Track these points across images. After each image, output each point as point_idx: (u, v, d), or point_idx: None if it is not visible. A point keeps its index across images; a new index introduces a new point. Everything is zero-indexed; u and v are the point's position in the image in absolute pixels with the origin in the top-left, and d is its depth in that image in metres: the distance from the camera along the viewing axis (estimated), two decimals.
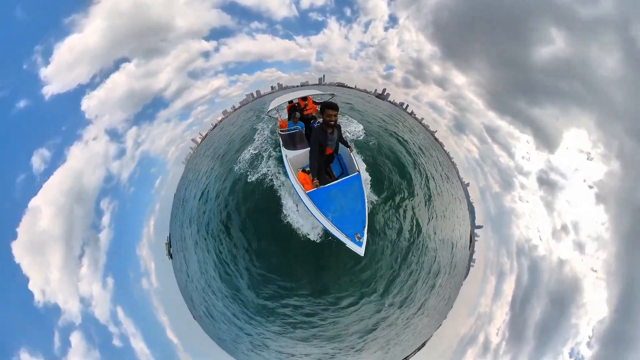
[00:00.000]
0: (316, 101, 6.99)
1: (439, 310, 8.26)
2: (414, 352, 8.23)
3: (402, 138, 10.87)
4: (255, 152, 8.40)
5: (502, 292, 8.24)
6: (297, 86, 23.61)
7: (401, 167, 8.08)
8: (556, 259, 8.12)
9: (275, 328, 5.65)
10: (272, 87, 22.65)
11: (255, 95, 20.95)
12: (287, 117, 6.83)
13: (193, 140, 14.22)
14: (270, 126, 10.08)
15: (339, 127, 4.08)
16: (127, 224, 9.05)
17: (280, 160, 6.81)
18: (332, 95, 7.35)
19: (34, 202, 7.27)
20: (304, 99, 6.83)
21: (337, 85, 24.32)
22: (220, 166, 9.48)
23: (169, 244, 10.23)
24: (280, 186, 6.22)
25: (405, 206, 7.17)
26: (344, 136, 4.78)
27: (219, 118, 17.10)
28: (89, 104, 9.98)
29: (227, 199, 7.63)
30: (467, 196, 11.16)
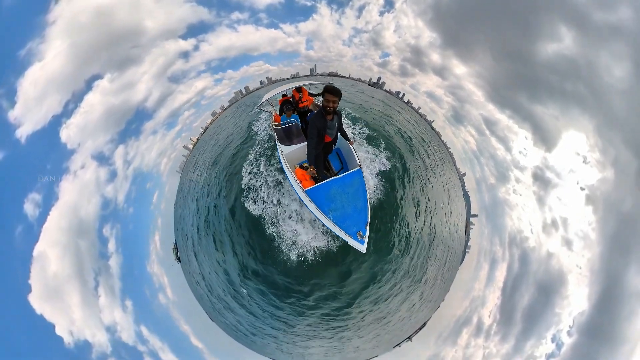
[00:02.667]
0: (312, 92, 6.82)
1: (438, 293, 9.15)
2: (416, 332, 9.24)
3: (399, 127, 11.01)
4: (252, 149, 8.22)
5: (495, 278, 9.21)
6: (289, 78, 22.30)
7: (398, 153, 8.36)
8: (545, 252, 9.02)
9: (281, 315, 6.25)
10: (261, 82, 21.53)
11: (244, 91, 20.02)
12: (279, 111, 6.62)
13: (185, 147, 13.89)
14: (263, 119, 9.93)
15: (339, 115, 3.89)
16: (133, 245, 9.29)
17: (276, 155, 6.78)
18: (330, 83, 7.44)
19: (38, 250, 7.33)
20: (299, 90, 6.58)
21: (329, 75, 23.09)
22: (217, 167, 9.60)
23: (176, 249, 10.61)
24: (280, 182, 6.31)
25: (403, 193, 7.50)
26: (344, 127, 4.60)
27: (209, 120, 16.43)
28: (68, 133, 9.45)
29: (228, 198, 7.89)
30: (463, 186, 11.74)
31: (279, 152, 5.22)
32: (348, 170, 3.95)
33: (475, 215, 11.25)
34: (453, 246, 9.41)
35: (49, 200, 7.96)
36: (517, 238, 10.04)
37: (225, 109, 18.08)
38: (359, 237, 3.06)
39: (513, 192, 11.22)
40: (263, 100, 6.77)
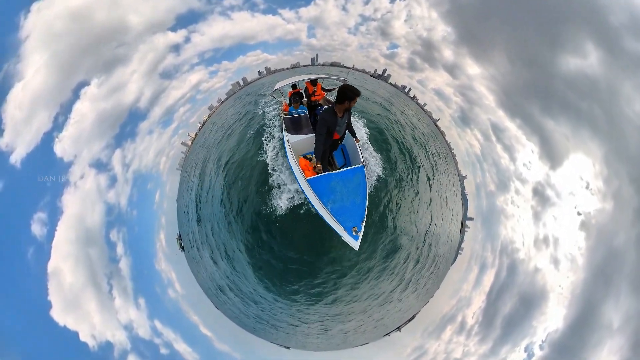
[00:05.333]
0: (325, 88, 6.84)
1: (428, 289, 9.91)
2: (405, 323, 10.21)
3: (404, 121, 10.89)
4: (257, 136, 8.45)
5: (482, 282, 9.89)
6: (288, 68, 20.89)
7: (402, 148, 8.47)
8: (533, 266, 9.53)
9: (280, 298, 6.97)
10: (260, 72, 20.48)
11: (241, 83, 19.10)
12: (289, 102, 6.76)
13: (183, 143, 13.78)
14: (264, 109, 9.88)
15: (349, 112, 3.91)
16: (140, 246, 9.93)
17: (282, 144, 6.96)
18: (345, 80, 7.30)
19: (51, 266, 7.89)
20: (313, 83, 6.59)
21: (331, 65, 21.55)
22: (219, 159, 9.85)
23: (180, 238, 11.21)
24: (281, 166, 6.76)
25: (403, 188, 7.94)
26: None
27: (206, 115, 15.95)
28: (62, 147, 9.38)
29: (231, 186, 8.31)
30: (463, 188, 11.94)
31: (285, 140, 5.32)
32: (351, 166, 4.05)
33: (471, 219, 11.66)
34: (447, 245, 9.94)
35: (54, 216, 8.37)
36: (509, 248, 10.57)
37: (222, 102, 17.51)
38: (353, 232, 3.10)
39: (511, 202, 11.48)
40: (276, 87, 6.81)
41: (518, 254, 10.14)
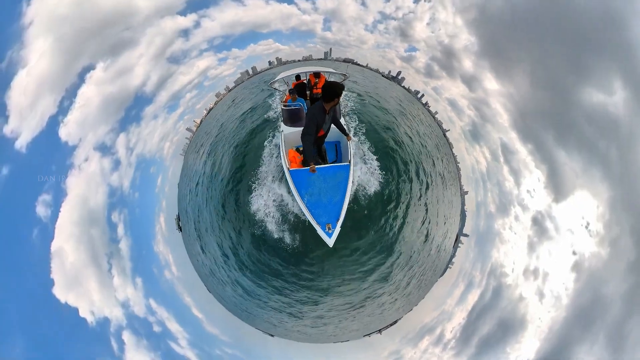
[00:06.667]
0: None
1: (414, 297, 10.24)
2: (387, 327, 10.68)
3: (411, 126, 10.71)
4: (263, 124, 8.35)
5: (466, 299, 10.12)
6: (300, 60, 20.10)
7: (405, 152, 8.43)
8: (518, 294, 9.62)
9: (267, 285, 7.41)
10: (270, 62, 19.95)
11: (251, 72, 18.63)
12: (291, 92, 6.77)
13: (188, 129, 13.86)
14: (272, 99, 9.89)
15: (335, 108, 3.92)
16: (140, 228, 10.41)
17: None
18: (345, 75, 6.92)
19: (54, 246, 8.38)
20: (317, 76, 6.48)
21: (344, 62, 20.59)
22: (223, 146, 10.11)
23: (178, 219, 11.66)
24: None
25: (402, 193, 8.07)
26: (341, 121, 4.67)
27: (213, 102, 15.79)
28: (67, 131, 9.58)
29: (232, 174, 8.63)
30: (463, 203, 11.86)
31: (280, 130, 5.42)
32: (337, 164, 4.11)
33: (466, 235, 11.67)
34: (438, 257, 10.10)
35: (58, 198, 8.72)
36: (498, 271, 10.67)
37: (230, 90, 17.27)
38: (327, 229, 3.09)
39: (509, 227, 11.42)
40: (278, 77, 6.72)
41: (506, 279, 10.30)
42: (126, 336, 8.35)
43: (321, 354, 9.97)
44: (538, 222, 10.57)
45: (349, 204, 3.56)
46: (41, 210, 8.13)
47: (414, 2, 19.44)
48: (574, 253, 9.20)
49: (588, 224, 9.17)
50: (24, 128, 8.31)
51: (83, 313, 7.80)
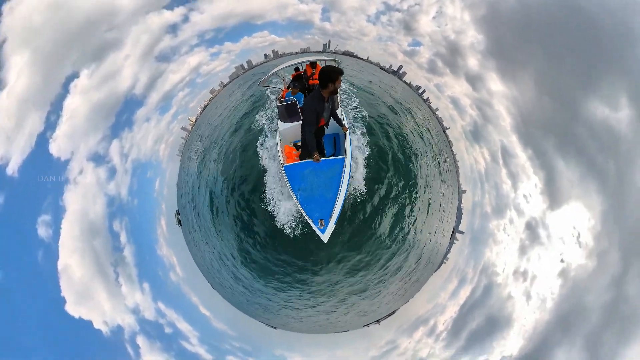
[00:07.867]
0: None
1: (410, 289, 10.92)
2: (385, 317, 11.45)
3: (412, 120, 10.71)
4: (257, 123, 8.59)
5: (459, 294, 10.83)
6: (297, 52, 18.85)
7: (404, 147, 8.98)
8: (507, 293, 10.24)
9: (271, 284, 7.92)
10: (266, 55, 18.92)
11: (246, 66, 17.63)
12: (289, 86, 6.69)
13: (183, 128, 13.43)
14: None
15: (334, 96, 3.77)
16: (142, 233, 10.58)
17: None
18: (336, 61, 6.59)
19: (61, 264, 8.43)
20: (313, 66, 6.32)
21: (344, 54, 19.41)
22: (222, 146, 10.14)
23: (178, 214, 11.90)
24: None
25: (400, 189, 8.32)
26: (338, 112, 4.54)
27: (207, 99, 15.06)
28: (57, 146, 9.16)
29: (233, 173, 8.83)
30: (460, 201, 12.20)
31: (277, 127, 5.41)
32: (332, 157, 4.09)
33: (462, 232, 12.12)
34: (435, 252, 10.64)
35: (58, 215, 8.61)
36: (489, 270, 11.28)
37: (225, 85, 16.47)
38: (319, 225, 3.09)
39: (503, 229, 11.81)
40: (271, 72, 6.38)
41: (496, 278, 10.96)
42: (140, 341, 8.87)
43: (322, 343, 10.79)
44: (531, 227, 11.06)
45: (344, 198, 3.48)
46: (42, 232, 8.13)
47: None
48: (562, 261, 9.80)
49: (579, 234, 9.64)
50: (13, 152, 8.00)
51: (97, 325, 8.19)
